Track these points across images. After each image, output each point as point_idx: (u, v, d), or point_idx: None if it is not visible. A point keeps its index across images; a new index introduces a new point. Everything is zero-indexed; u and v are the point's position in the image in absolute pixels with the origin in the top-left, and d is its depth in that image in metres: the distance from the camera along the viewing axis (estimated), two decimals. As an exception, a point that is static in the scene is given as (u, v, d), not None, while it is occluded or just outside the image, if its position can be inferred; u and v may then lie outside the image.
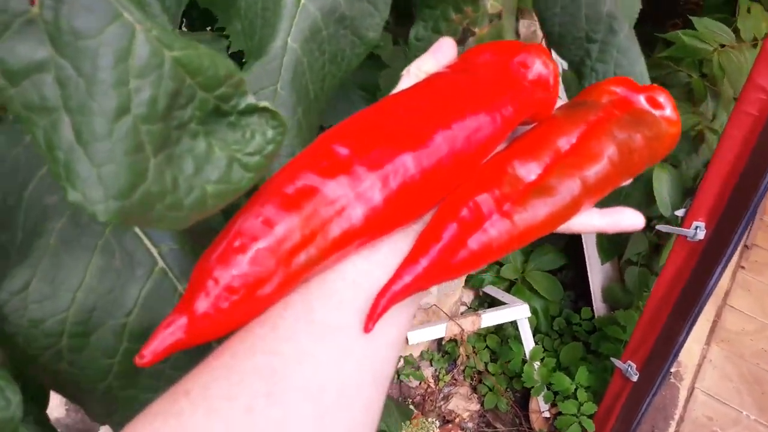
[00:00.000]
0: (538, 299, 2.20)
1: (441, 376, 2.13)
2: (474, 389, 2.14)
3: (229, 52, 0.68)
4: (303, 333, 0.27)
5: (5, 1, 0.18)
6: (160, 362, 0.35)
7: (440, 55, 0.39)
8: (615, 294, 2.12)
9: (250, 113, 0.24)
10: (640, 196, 1.71)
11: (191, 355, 0.29)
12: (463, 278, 2.26)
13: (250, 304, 0.26)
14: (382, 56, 0.77)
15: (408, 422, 1.13)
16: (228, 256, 0.26)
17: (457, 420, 2.03)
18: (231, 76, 0.22)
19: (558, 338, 2.20)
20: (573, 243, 2.23)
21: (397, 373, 2.09)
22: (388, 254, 0.31)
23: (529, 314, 2.05)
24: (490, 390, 2.08)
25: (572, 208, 0.33)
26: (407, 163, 0.29)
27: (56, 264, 0.31)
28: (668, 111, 0.39)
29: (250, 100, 0.23)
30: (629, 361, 1.58)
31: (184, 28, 0.92)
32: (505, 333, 2.19)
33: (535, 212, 0.32)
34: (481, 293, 2.34)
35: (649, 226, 1.95)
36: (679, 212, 1.42)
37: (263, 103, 0.24)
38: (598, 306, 2.18)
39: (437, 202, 0.32)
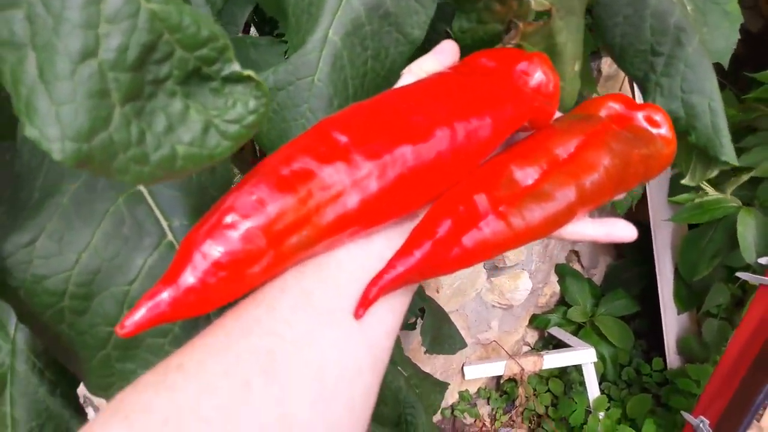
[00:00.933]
0: (606, 346, 2.10)
1: (498, 415, 2.06)
2: (532, 433, 2.05)
3: (286, 57, 0.68)
4: (301, 316, 0.26)
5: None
6: (160, 337, 0.34)
7: (442, 56, 0.39)
8: (691, 346, 1.99)
9: (234, 81, 0.23)
10: (722, 239, 1.61)
11: (191, 333, 0.29)
12: (527, 317, 2.19)
13: (238, 281, 0.26)
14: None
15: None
16: (218, 232, 0.25)
17: (511, 464, 1.95)
18: (214, 39, 0.22)
19: (626, 388, 2.08)
20: (648, 290, 2.12)
21: (452, 408, 2.03)
22: (383, 246, 0.31)
23: (595, 359, 1.96)
24: (549, 435, 1.99)
25: (567, 214, 0.34)
26: (406, 155, 0.29)
27: (66, 223, 0.31)
28: (664, 130, 0.39)
29: (236, 67, 0.23)
30: (701, 417, 1.46)
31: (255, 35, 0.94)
32: (570, 378, 2.09)
33: (531, 215, 0.32)
34: (546, 334, 2.26)
35: (731, 277, 1.84)
36: (763, 260, 1.32)
37: (248, 72, 0.23)
38: (672, 358, 2.05)
39: (433, 197, 0.32)
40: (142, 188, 0.33)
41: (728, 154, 0.51)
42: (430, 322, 1.13)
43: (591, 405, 1.95)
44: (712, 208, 1.58)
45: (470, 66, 0.38)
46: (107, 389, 0.34)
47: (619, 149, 0.36)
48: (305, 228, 0.27)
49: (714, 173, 0.52)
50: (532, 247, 1.97)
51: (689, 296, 1.99)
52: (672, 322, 2.04)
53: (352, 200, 0.28)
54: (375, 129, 0.30)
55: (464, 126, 0.31)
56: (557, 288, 2.25)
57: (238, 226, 0.25)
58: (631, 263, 2.27)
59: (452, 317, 1.26)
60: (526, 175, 0.33)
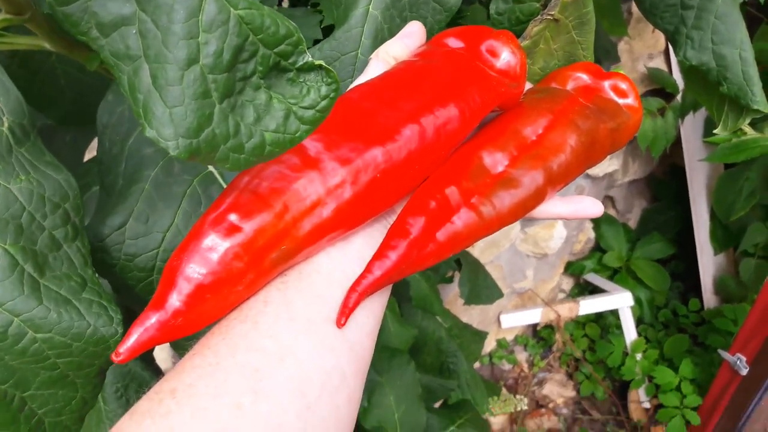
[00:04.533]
0: (642, 289, 2.11)
1: (535, 361, 2.11)
2: (570, 376, 2.10)
3: (322, 26, 0.70)
4: (284, 329, 0.27)
5: (98, -36, 0.21)
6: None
7: (409, 39, 0.39)
8: (728, 286, 2.00)
9: (307, 70, 0.25)
10: (759, 178, 1.60)
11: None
12: (562, 265, 2.21)
13: (223, 300, 0.27)
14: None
15: (495, 398, 1.14)
16: (200, 255, 0.26)
17: (551, 405, 2.01)
18: (290, 35, 0.24)
19: (662, 330, 2.11)
20: (684, 232, 2.12)
21: (490, 355, 2.09)
22: (362, 246, 0.32)
23: (632, 303, 1.98)
24: (587, 378, 2.03)
25: (536, 198, 0.34)
26: (377, 158, 0.30)
27: (150, 206, 0.35)
28: (631, 99, 0.40)
29: (308, 58, 0.25)
30: (738, 354, 1.49)
31: (284, 5, 0.96)
32: (606, 322, 2.12)
33: (501, 203, 0.33)
34: (582, 281, 2.28)
35: (769, 216, 1.82)
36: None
37: (319, 62, 0.26)
38: (708, 298, 2.06)
39: (408, 194, 0.33)
40: (213, 169, 0.36)
41: (760, 102, 0.52)
42: (467, 274, 1.16)
43: (628, 347, 1.98)
44: (748, 147, 1.55)
45: (437, 49, 0.38)
46: (187, 348, 0.38)
47: (586, 127, 0.37)
48: (284, 242, 0.28)
49: (746, 122, 0.54)
50: (565, 194, 1.98)
51: (726, 236, 1.98)
52: (708, 262, 2.04)
53: (327, 209, 0.28)
54: (344, 133, 0.30)
55: (432, 121, 0.31)
56: (592, 234, 2.26)
57: (218, 247, 0.26)
58: (667, 206, 2.26)
59: (487, 268, 1.29)
60: (496, 162, 0.34)
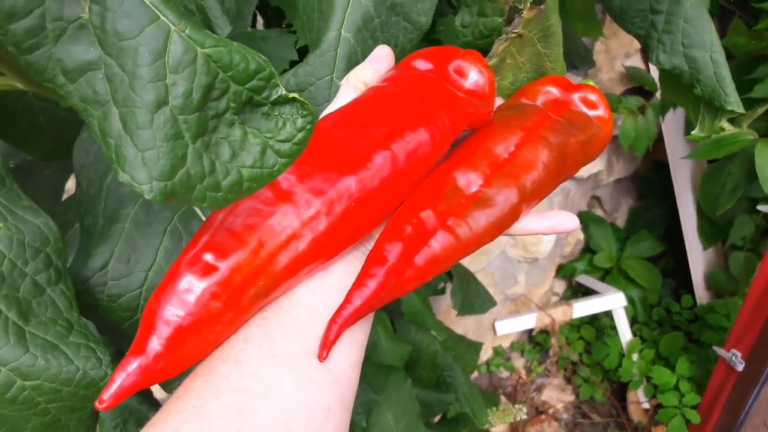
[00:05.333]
0: (635, 288, 2.12)
1: (533, 367, 2.11)
2: (568, 380, 2.09)
3: (297, 47, 0.70)
4: (266, 366, 0.27)
5: (60, 10, 0.21)
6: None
7: (377, 64, 0.39)
8: (719, 281, 2.01)
9: (282, 103, 0.25)
10: (741, 173, 1.61)
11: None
12: (553, 268, 2.21)
13: (204, 341, 0.27)
14: (443, 40, 0.78)
15: (494, 408, 1.13)
16: (177, 297, 0.26)
17: (551, 411, 2.00)
18: (261, 70, 0.24)
19: (657, 328, 2.11)
20: (672, 228, 2.13)
21: (487, 363, 2.08)
22: (341, 274, 0.32)
23: (625, 303, 1.98)
24: (585, 381, 2.03)
25: (511, 216, 0.35)
26: (351, 187, 0.30)
27: (131, 246, 0.34)
28: (601, 110, 0.40)
29: (282, 91, 0.25)
30: (733, 350, 1.49)
31: (260, 27, 0.96)
32: (601, 323, 2.13)
33: (477, 224, 0.33)
34: (574, 283, 2.28)
35: (755, 209, 1.84)
36: (783, 190, 1.32)
37: (293, 94, 0.25)
38: (701, 294, 2.07)
39: (384, 219, 0.33)
40: (192, 204, 0.36)
41: (734, 102, 0.52)
42: (458, 285, 1.16)
43: (624, 348, 1.99)
44: (728, 143, 1.57)
45: (405, 73, 0.38)
46: (172, 384, 0.38)
47: (557, 142, 0.37)
48: (261, 278, 0.28)
49: (722, 122, 0.54)
50: (552, 198, 1.99)
51: (713, 231, 2.00)
52: (698, 258, 2.05)
53: (303, 242, 0.28)
54: (317, 163, 0.30)
55: (403, 146, 0.32)
56: (581, 236, 2.27)
57: (195, 288, 0.26)
58: (653, 203, 2.27)
59: (478, 276, 1.29)
60: (469, 182, 0.34)
